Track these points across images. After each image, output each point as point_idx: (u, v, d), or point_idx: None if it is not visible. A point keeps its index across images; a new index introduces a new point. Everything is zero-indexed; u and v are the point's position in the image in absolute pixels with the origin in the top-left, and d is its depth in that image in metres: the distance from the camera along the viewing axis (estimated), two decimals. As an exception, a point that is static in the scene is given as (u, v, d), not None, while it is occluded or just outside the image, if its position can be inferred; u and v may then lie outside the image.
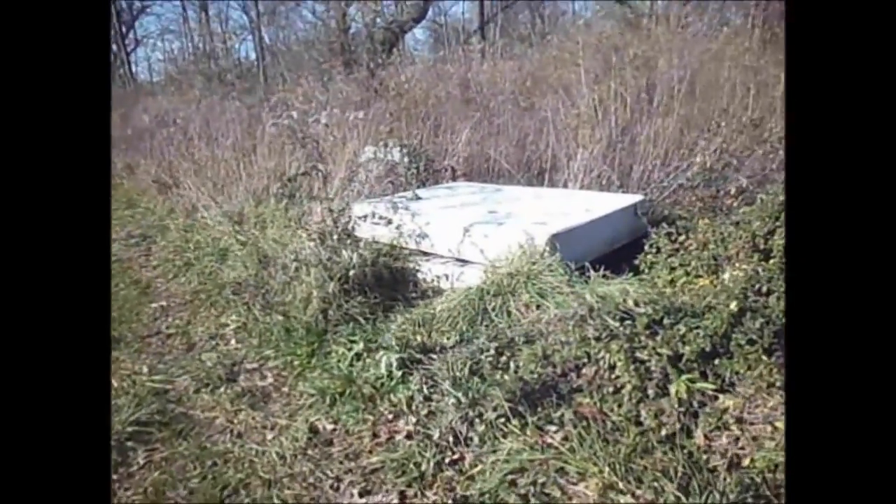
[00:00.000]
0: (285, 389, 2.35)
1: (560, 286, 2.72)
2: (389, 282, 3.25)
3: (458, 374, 2.16)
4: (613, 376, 2.08)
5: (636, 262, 3.35)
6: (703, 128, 3.91)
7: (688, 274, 3.05)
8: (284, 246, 3.47)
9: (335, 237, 3.17)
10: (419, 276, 3.38)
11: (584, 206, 3.48)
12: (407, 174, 4.30)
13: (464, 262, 3.30)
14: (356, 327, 2.72)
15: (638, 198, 3.67)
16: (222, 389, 2.35)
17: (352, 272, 2.94)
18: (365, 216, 3.37)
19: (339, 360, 2.45)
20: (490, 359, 2.27)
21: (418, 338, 2.61)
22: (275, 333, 2.76)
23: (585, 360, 2.17)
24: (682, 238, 3.43)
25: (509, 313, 2.69)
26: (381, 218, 3.35)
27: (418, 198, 3.98)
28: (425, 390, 2.12)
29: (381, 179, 4.41)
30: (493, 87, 6.25)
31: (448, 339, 2.57)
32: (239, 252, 3.81)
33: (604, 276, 2.73)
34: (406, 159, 4.44)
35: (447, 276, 3.29)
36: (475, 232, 3.20)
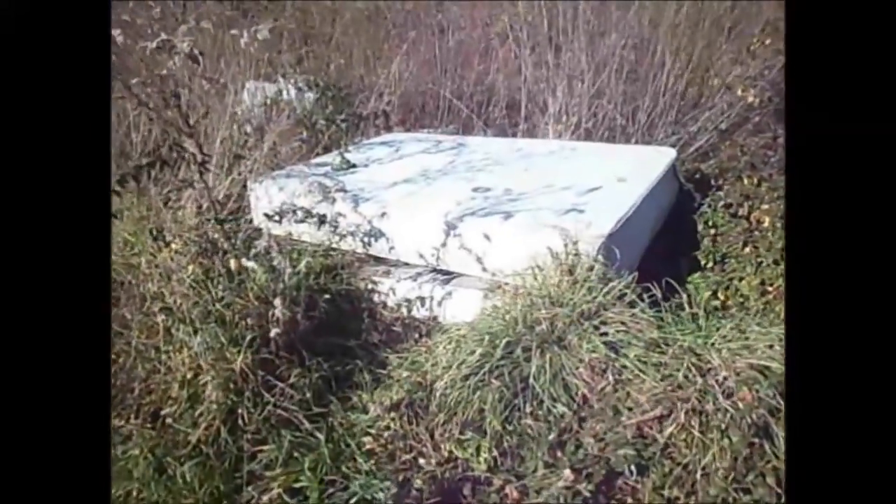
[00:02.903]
0: None
1: (643, 328, 1.62)
2: (332, 319, 1.97)
3: None
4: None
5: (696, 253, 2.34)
6: (741, 48, 2.87)
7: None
8: (149, 264, 2.03)
9: (230, 258, 1.81)
10: (376, 299, 2.13)
11: (608, 170, 2.34)
12: (326, 126, 2.89)
13: (448, 274, 2.10)
14: (294, 450, 1.45)
15: (671, 153, 2.59)
16: None
17: (274, 330, 1.63)
18: (279, 214, 2.00)
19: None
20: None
21: (417, 482, 1.40)
22: (137, 472, 1.42)
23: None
24: (742, 210, 2.43)
25: (567, 388, 1.56)
26: (307, 214, 2.01)
27: (350, 165, 2.65)
28: None
29: (286, 136, 2.98)
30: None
31: (480, 462, 1.39)
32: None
33: (708, 310, 1.65)
34: (323, 103, 3.01)
35: (423, 301, 2.07)
36: (467, 230, 1.99)
